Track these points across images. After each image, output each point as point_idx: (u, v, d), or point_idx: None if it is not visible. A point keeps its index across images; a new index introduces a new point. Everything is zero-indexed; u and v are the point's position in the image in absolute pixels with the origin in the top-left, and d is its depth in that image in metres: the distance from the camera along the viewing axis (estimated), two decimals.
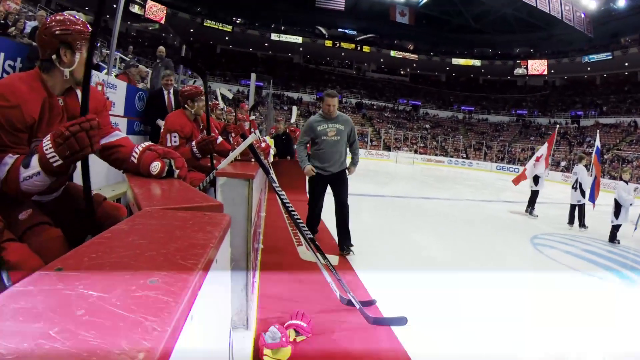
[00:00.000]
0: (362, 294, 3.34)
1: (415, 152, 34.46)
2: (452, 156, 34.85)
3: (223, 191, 1.90)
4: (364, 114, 40.94)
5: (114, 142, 1.80)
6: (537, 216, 8.74)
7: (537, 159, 8.94)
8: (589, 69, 39.52)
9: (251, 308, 2.26)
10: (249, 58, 45.74)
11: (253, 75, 13.46)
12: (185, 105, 3.57)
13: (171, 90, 5.51)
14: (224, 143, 4.11)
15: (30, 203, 1.56)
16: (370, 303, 3.16)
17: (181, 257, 0.52)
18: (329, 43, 43.76)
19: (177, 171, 1.79)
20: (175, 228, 0.68)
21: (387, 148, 35.10)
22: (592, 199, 8.13)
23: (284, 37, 42.27)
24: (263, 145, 3.73)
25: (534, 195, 8.95)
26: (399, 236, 5.82)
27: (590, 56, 37.59)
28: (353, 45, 44.31)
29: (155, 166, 1.71)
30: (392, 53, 45.03)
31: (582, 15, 34.31)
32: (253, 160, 2.65)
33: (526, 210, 8.95)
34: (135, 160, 1.73)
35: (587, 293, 4.38)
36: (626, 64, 36.37)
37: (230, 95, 5.52)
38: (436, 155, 34.76)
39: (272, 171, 2.75)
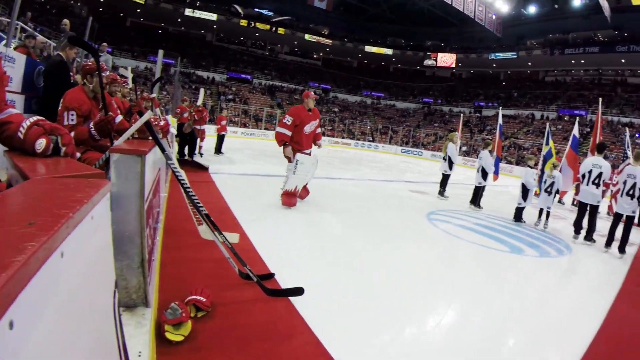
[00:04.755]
0: (261, 268, 3.48)
1: (323, 134, 34.86)
2: (358, 139, 35.80)
3: (116, 167, 1.89)
4: (279, 102, 40.45)
5: (4, 119, 1.69)
6: (448, 197, 9.29)
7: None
8: (494, 65, 42.92)
9: (150, 285, 2.29)
10: (161, 33, 43.07)
11: (160, 52, 12.89)
12: (85, 81, 3.37)
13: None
14: (123, 122, 3.97)
15: None
16: (269, 276, 3.33)
17: (56, 208, 0.64)
18: (244, 22, 42.39)
19: (64, 149, 1.69)
20: (58, 190, 0.78)
21: None
22: (497, 172, 10.04)
23: (199, 14, 40.05)
24: (162, 123, 3.69)
25: (446, 178, 9.44)
26: (300, 213, 5.99)
27: (497, 54, 40.73)
28: (268, 27, 43.52)
29: (40, 143, 1.60)
30: (307, 37, 45.05)
31: (493, 17, 36.82)
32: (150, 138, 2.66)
33: (439, 193, 9.40)
34: (22, 136, 1.61)
35: (475, 260, 4.97)
36: (529, 63, 40.38)
37: (130, 75, 5.28)
38: (343, 138, 35.32)
39: (169, 149, 2.74)
